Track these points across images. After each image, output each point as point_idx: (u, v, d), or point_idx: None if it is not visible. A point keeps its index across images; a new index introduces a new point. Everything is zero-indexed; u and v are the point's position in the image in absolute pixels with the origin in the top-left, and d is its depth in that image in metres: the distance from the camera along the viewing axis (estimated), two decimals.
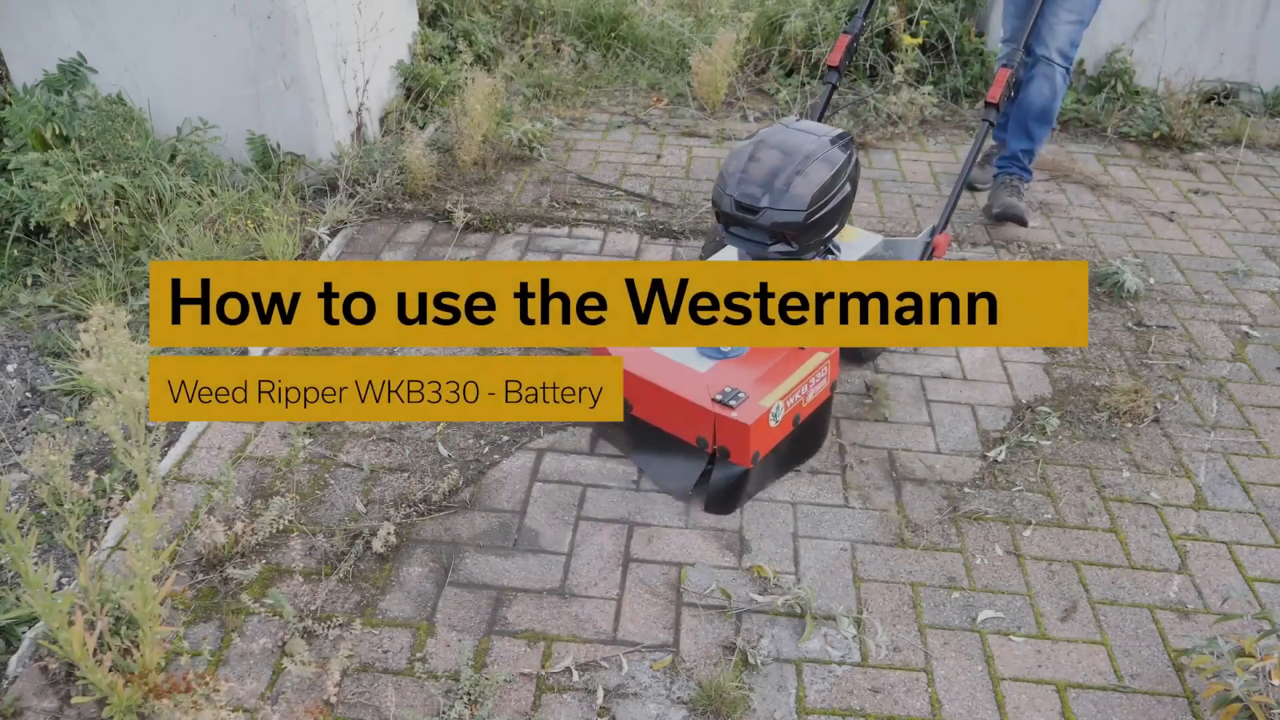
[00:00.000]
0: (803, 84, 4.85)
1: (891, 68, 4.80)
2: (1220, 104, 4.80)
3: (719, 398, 2.35)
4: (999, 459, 2.61)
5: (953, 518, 2.42)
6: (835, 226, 2.68)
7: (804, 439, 2.55)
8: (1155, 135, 4.45)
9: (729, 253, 2.91)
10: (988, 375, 2.93)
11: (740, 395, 2.35)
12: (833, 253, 2.88)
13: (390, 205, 3.77)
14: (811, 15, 4.94)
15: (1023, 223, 3.63)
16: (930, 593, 2.22)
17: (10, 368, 2.95)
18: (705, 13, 5.50)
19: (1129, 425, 2.75)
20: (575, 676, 2.00)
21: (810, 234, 2.59)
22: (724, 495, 2.41)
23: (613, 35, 5.34)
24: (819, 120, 3.14)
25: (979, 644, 2.10)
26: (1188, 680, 2.03)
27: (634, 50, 5.31)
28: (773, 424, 2.37)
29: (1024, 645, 2.10)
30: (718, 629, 2.11)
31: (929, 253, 3.03)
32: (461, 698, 1.92)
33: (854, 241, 3.00)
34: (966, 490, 2.51)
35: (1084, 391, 2.88)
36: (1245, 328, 3.19)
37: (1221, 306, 3.31)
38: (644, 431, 2.53)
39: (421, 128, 4.29)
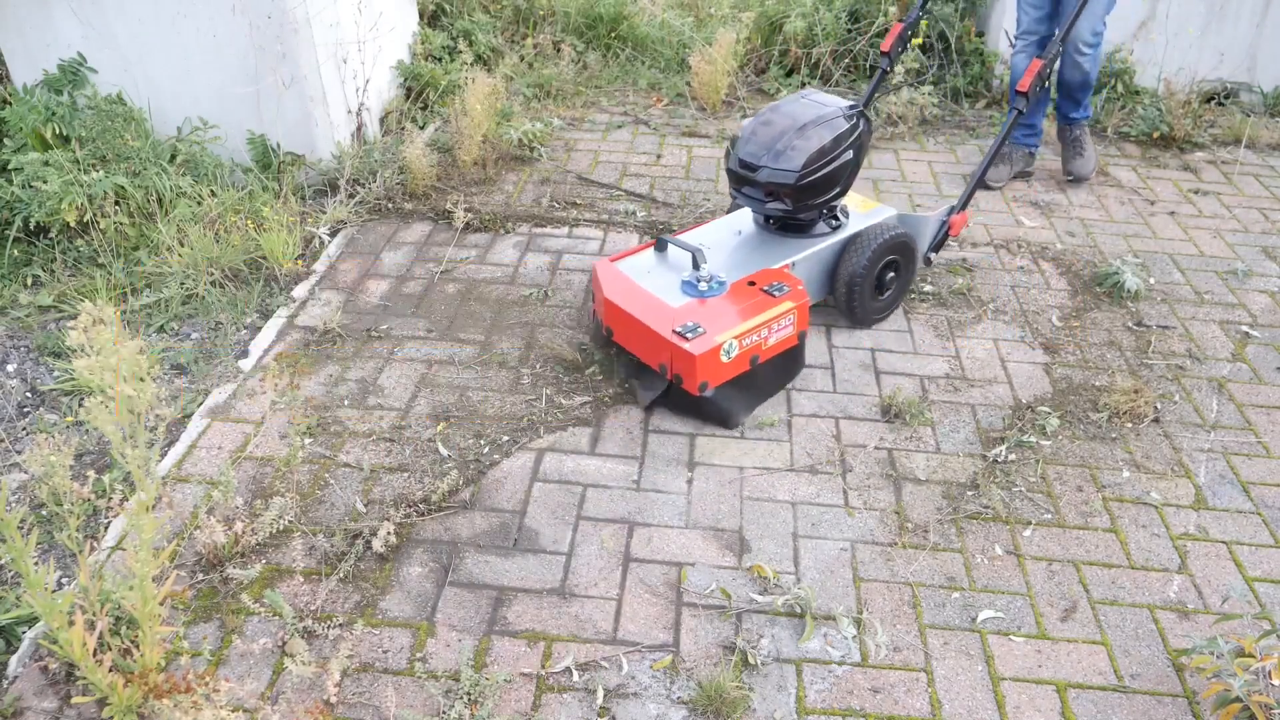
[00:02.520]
0: (803, 84, 4.85)
1: (892, 67, 4.80)
2: (1220, 104, 4.80)
3: (679, 329, 2.57)
4: (999, 459, 2.61)
5: (953, 518, 2.42)
6: (834, 191, 2.87)
7: (771, 376, 2.78)
8: (1155, 135, 4.45)
9: (744, 210, 3.16)
10: (988, 375, 2.93)
11: (699, 330, 2.57)
12: (838, 219, 3.03)
13: (390, 205, 3.77)
14: (811, 15, 4.93)
15: (1085, 180, 4.03)
16: (930, 593, 2.22)
17: (10, 368, 2.95)
18: (705, 13, 5.50)
19: (1129, 425, 2.75)
20: (575, 676, 2.00)
21: (804, 195, 2.82)
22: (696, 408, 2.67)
23: (613, 35, 5.34)
24: (868, 100, 3.31)
25: (979, 644, 2.10)
26: (1188, 680, 2.03)
27: (634, 50, 5.31)
28: (724, 359, 2.58)
29: (1024, 645, 2.10)
30: (718, 629, 2.11)
31: (944, 231, 3.14)
32: (461, 698, 1.92)
33: (866, 212, 3.12)
34: (966, 490, 2.51)
35: (1084, 391, 2.88)
36: (1245, 328, 3.19)
37: (1221, 306, 3.31)
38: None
39: (421, 128, 4.29)
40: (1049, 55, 3.14)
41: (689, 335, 2.55)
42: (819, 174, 2.80)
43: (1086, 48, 3.74)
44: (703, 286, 2.74)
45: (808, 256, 2.94)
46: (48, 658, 1.97)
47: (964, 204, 3.16)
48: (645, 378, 2.76)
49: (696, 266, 2.76)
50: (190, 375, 2.89)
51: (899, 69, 4.69)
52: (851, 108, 2.90)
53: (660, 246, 2.97)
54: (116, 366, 1.61)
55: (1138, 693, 2.01)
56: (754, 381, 2.72)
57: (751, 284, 2.76)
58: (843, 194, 2.95)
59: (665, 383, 2.67)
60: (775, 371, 2.79)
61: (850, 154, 2.86)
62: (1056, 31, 3.60)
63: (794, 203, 2.83)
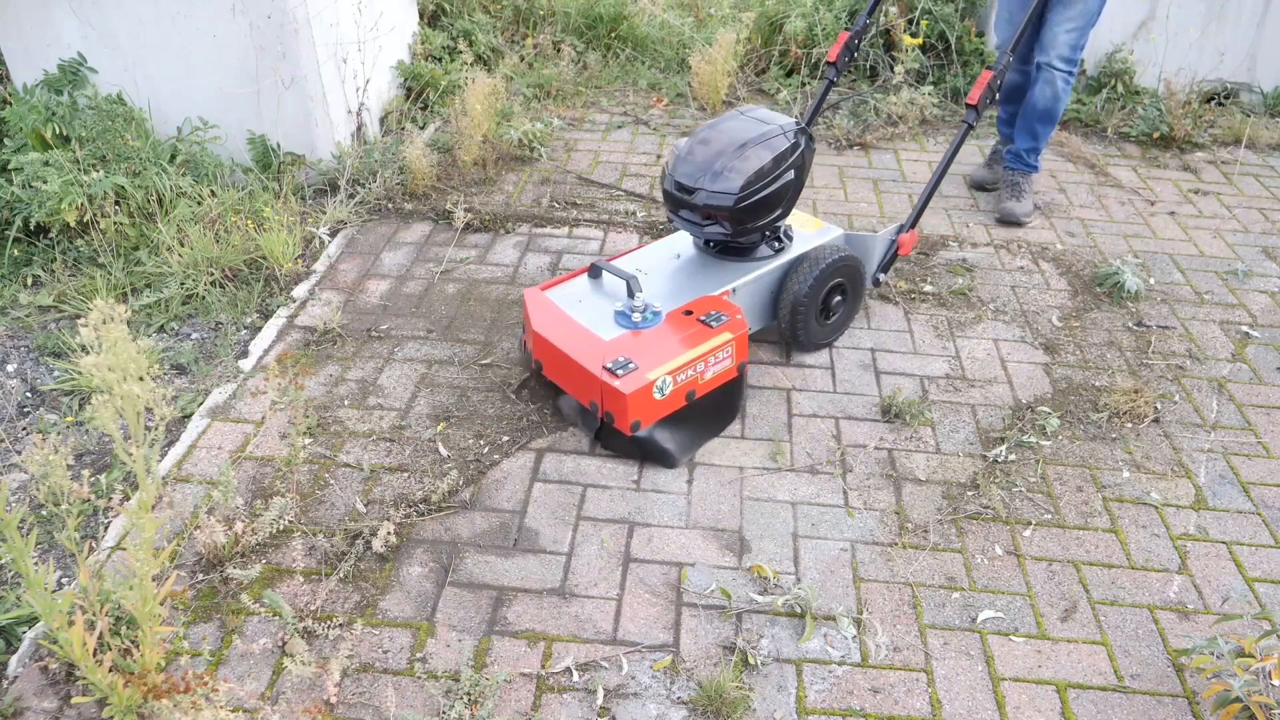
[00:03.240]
0: (803, 84, 4.85)
1: (892, 68, 4.80)
2: (1220, 104, 4.80)
3: (609, 365, 2.45)
4: (999, 459, 2.61)
5: (953, 518, 2.42)
6: (775, 213, 2.75)
7: (711, 411, 2.65)
8: (1155, 135, 4.45)
9: (684, 232, 3.01)
10: (988, 375, 2.93)
11: (630, 366, 2.45)
12: (781, 241, 2.91)
13: (390, 205, 3.77)
14: (811, 15, 4.94)
15: (1018, 225, 3.76)
16: (930, 593, 2.22)
17: (10, 368, 2.95)
18: (705, 13, 5.50)
19: (1129, 425, 2.75)
20: (575, 676, 2.00)
21: (744, 218, 2.68)
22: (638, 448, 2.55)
23: (613, 35, 5.34)
24: (814, 115, 3.22)
25: (979, 644, 2.10)
26: (1188, 680, 2.03)
27: (634, 50, 5.31)
28: (658, 396, 2.46)
29: (1024, 645, 2.10)
30: (718, 629, 2.11)
31: (893, 251, 3.02)
32: (461, 698, 1.92)
33: (811, 232, 3.01)
34: (966, 490, 2.51)
35: (1084, 391, 2.88)
36: (1245, 328, 3.19)
37: (1221, 306, 3.31)
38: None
39: (421, 128, 4.29)
40: (999, 66, 2.98)
41: (619, 372, 2.43)
42: (759, 196, 2.66)
43: (1062, 63, 3.55)
44: (636, 317, 2.60)
45: (749, 281, 2.80)
46: (48, 658, 1.97)
47: (913, 222, 3.03)
48: (586, 414, 2.61)
49: (631, 295, 2.62)
50: (190, 375, 2.89)
51: (898, 70, 4.69)
52: (790, 125, 2.76)
53: (594, 273, 2.82)
54: (125, 364, 1.61)
55: (1138, 693, 2.01)
56: (693, 418, 2.59)
57: (688, 313, 2.63)
58: (784, 215, 2.82)
59: (598, 421, 2.54)
60: (715, 407, 2.65)
61: (792, 174, 2.73)
62: (1037, 45, 3.58)
63: (733, 226, 2.70)
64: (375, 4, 4.15)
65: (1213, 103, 4.80)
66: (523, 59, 5.06)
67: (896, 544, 2.34)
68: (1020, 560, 2.31)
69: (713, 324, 2.58)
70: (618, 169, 4.16)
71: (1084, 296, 3.34)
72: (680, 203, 2.72)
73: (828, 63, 3.23)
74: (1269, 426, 2.76)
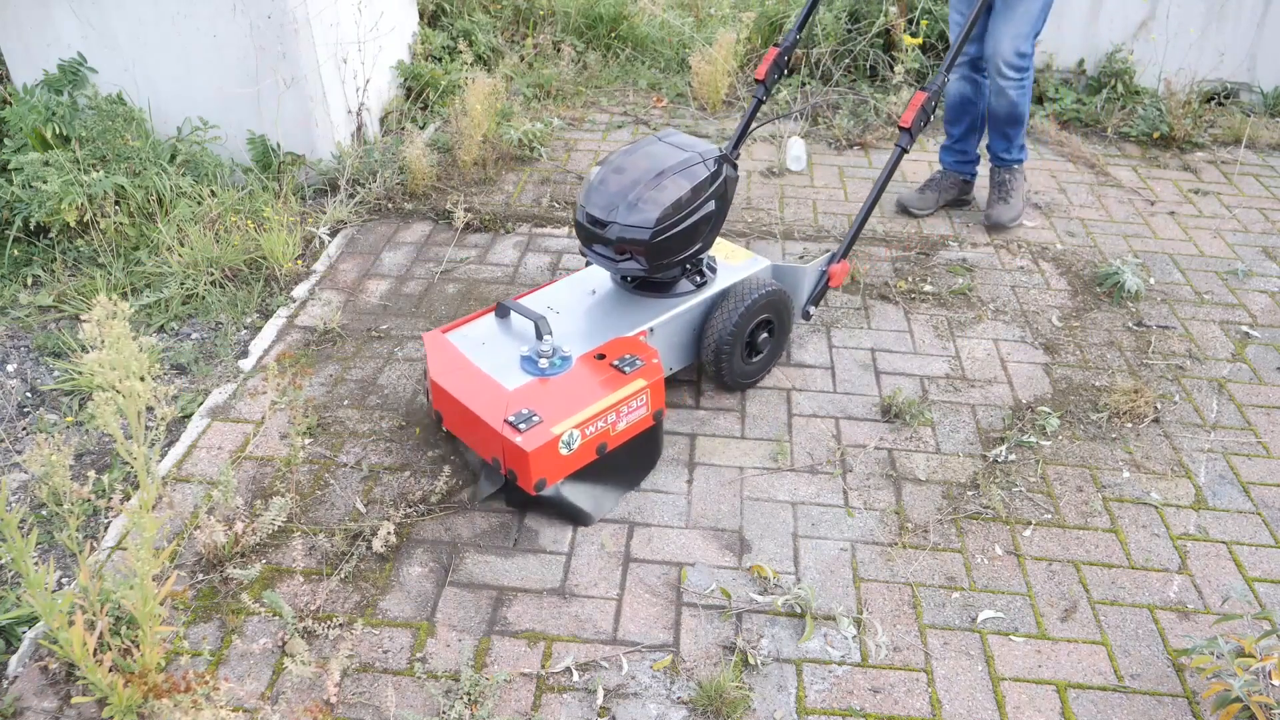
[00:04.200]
0: (803, 84, 4.85)
1: (891, 68, 4.80)
2: (1220, 104, 4.80)
3: (511, 419, 2.22)
4: (999, 459, 2.61)
5: (953, 518, 2.42)
6: (694, 247, 2.56)
7: (628, 463, 2.44)
8: (1155, 135, 4.45)
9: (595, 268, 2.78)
10: (988, 375, 2.93)
11: (534, 419, 2.22)
12: (703, 274, 2.71)
13: (390, 205, 3.77)
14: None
15: (1005, 229, 3.70)
16: (930, 593, 2.22)
17: (10, 368, 2.95)
18: (705, 13, 5.50)
19: (1129, 425, 2.75)
20: (575, 676, 2.00)
21: (660, 253, 2.49)
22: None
23: (613, 35, 5.34)
24: (741, 138, 3.07)
25: (979, 644, 2.10)
26: (1188, 680, 2.03)
27: (634, 50, 5.31)
28: (564, 452, 2.24)
29: (1024, 645, 2.10)
30: (718, 629, 2.11)
31: (823, 282, 2.84)
32: (461, 698, 1.92)
33: (737, 264, 2.81)
34: (966, 490, 2.51)
35: (1084, 391, 2.88)
36: (1245, 328, 3.19)
37: (1221, 306, 3.31)
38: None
39: (421, 128, 4.29)
40: (933, 87, 2.80)
41: (522, 426, 2.20)
42: (676, 229, 2.47)
43: (1010, 70, 3.40)
44: (543, 364, 2.39)
45: (669, 320, 2.61)
46: (48, 658, 1.97)
47: (845, 252, 2.85)
48: (490, 469, 2.39)
49: (539, 337, 2.43)
50: (190, 375, 2.89)
51: (898, 70, 4.69)
52: (709, 152, 2.57)
53: (501, 312, 2.61)
54: (126, 362, 1.61)
55: (1138, 693, 2.01)
56: (607, 471, 2.39)
57: (601, 357, 2.43)
58: (706, 248, 2.62)
59: (503, 478, 2.33)
60: (631, 458, 2.45)
61: (713, 204, 2.54)
62: (987, 52, 3.44)
63: (649, 261, 2.49)
64: (375, 4, 4.15)
65: (1213, 103, 4.80)
66: (523, 59, 5.06)
67: (896, 544, 2.34)
68: (1020, 560, 2.31)
69: (626, 370, 2.38)
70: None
71: (1084, 296, 3.34)
72: (593, 236, 2.52)
73: (756, 80, 3.06)
74: (1269, 426, 2.76)
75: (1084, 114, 4.65)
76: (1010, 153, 3.70)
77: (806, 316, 2.86)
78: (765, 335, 2.76)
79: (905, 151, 2.84)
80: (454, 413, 2.40)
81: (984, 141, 3.82)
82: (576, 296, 2.72)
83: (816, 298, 2.85)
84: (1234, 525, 2.43)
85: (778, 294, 2.72)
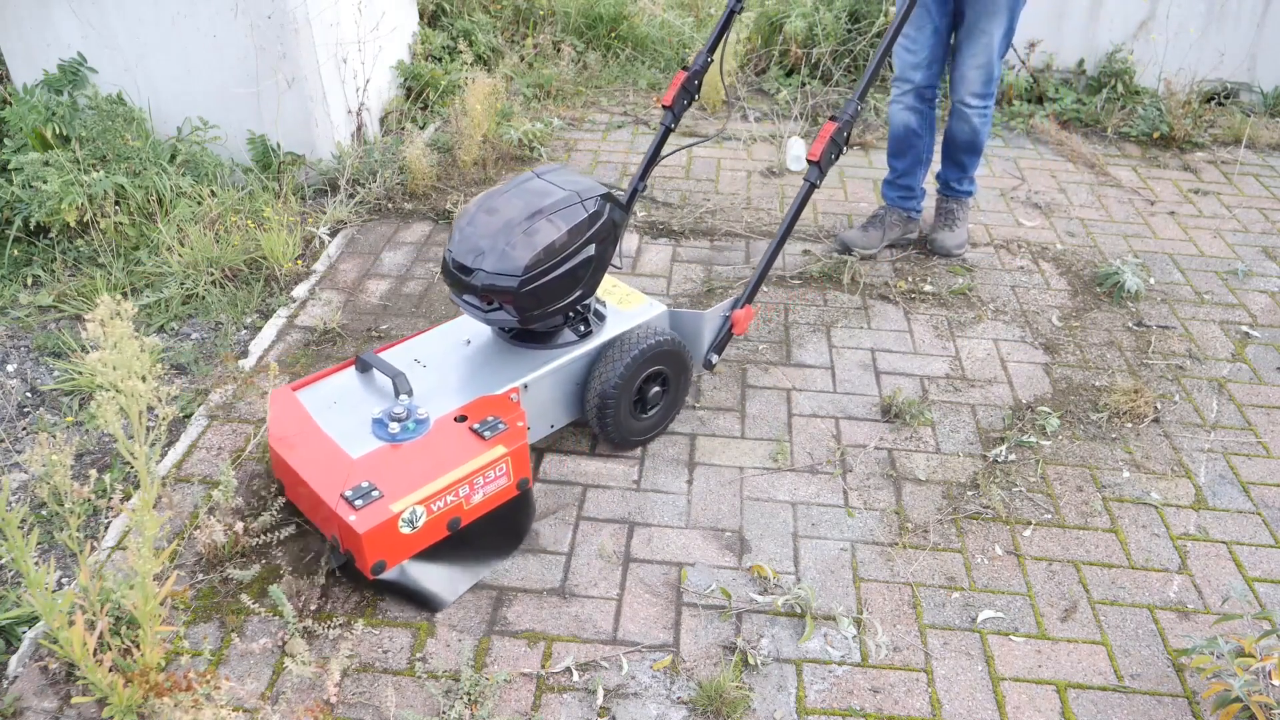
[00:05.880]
0: (803, 84, 4.85)
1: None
2: (1220, 104, 4.81)
3: (348, 494, 2.01)
4: (999, 459, 2.61)
5: (953, 518, 2.42)
6: (572, 295, 2.33)
7: (490, 536, 2.22)
8: (1155, 135, 4.45)
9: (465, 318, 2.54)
10: (988, 375, 2.93)
11: (374, 494, 2.00)
12: (588, 322, 2.49)
13: (390, 205, 3.77)
14: (811, 15, 4.94)
15: (949, 256, 3.52)
16: (930, 593, 2.22)
17: (10, 368, 2.95)
18: (705, 13, 5.50)
19: (1129, 425, 2.75)
20: (575, 676, 2.00)
21: (532, 303, 2.26)
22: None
23: (613, 35, 5.34)
24: (649, 167, 2.87)
25: (979, 644, 2.10)
26: (1188, 680, 2.03)
27: (634, 50, 5.31)
28: (406, 530, 2.02)
29: (1024, 645, 2.10)
30: (718, 629, 2.11)
31: (727, 329, 2.63)
32: (461, 698, 1.92)
33: (630, 310, 2.59)
34: (966, 490, 2.51)
35: (1084, 391, 2.88)
36: (1245, 328, 3.19)
37: (1221, 306, 3.31)
38: None
39: (421, 128, 4.30)
40: (844, 116, 2.61)
41: (358, 502, 1.98)
42: (549, 276, 2.24)
43: (974, 99, 3.27)
44: (394, 428, 2.15)
45: (546, 374, 2.38)
46: (48, 658, 1.97)
47: (750, 297, 2.63)
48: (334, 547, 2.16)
49: (397, 396, 2.23)
50: (190, 375, 2.89)
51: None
52: (596, 191, 2.34)
53: (362, 366, 2.37)
54: (128, 361, 1.61)
55: (1138, 693, 2.01)
56: (466, 544, 2.16)
57: (461, 419, 2.20)
58: (586, 296, 2.37)
59: (344, 556, 2.11)
60: (494, 531, 2.21)
61: (593, 249, 2.30)
62: (951, 81, 3.29)
63: (519, 312, 2.26)
64: (376, 4, 4.15)
65: (1213, 103, 4.81)
66: (523, 59, 5.06)
67: (896, 544, 2.34)
68: (1020, 560, 2.31)
69: (486, 434, 2.15)
70: (618, 169, 4.16)
71: (1084, 296, 3.34)
72: (460, 284, 2.28)
73: (663, 107, 2.83)
74: (1269, 426, 2.76)
75: (1084, 114, 4.65)
76: (962, 184, 3.54)
77: (709, 366, 2.65)
78: (657, 389, 2.53)
79: (815, 186, 2.63)
80: (293, 483, 2.16)
81: (934, 171, 3.63)
82: (448, 348, 2.49)
83: (720, 346, 2.64)
84: (1234, 525, 2.43)
85: (671, 344, 2.49)
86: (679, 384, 2.60)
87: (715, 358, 2.64)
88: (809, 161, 2.61)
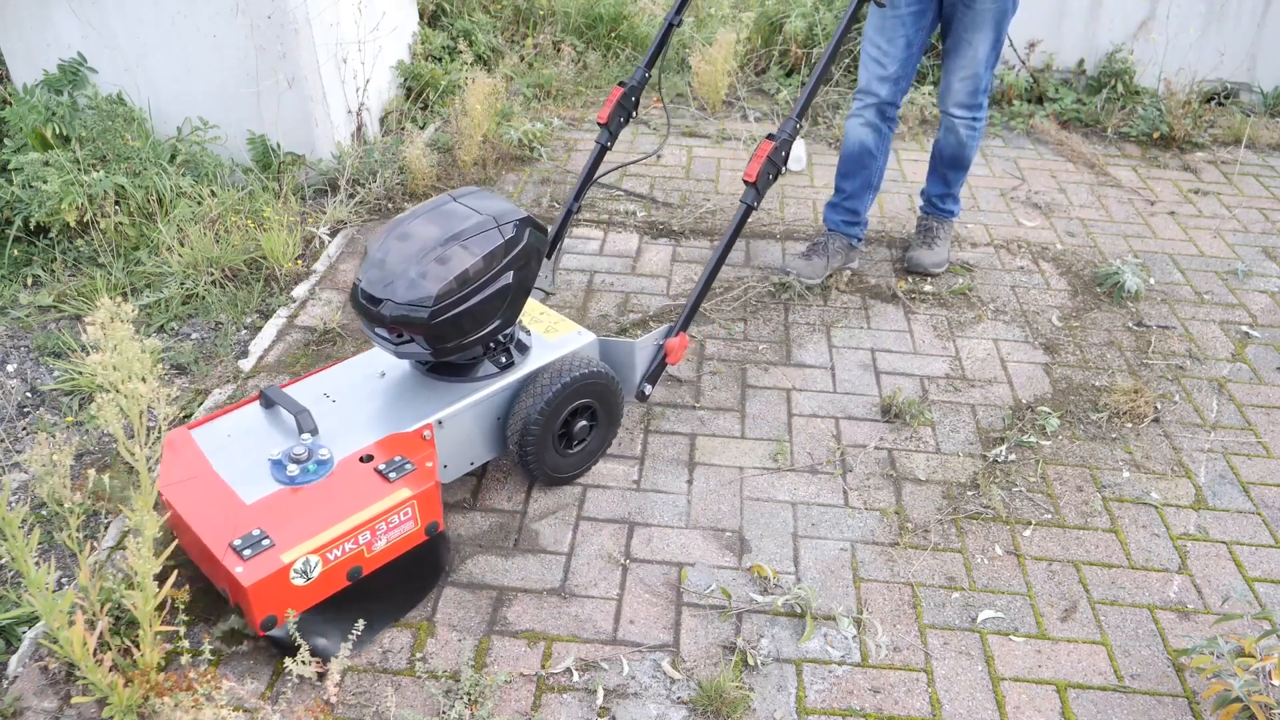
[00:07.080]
0: (803, 84, 4.85)
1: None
2: (1220, 104, 4.81)
3: (236, 544, 1.86)
4: (999, 459, 2.61)
5: (953, 518, 2.42)
6: (489, 326, 2.20)
7: (396, 584, 2.08)
8: (1155, 135, 4.45)
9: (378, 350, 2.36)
10: (988, 375, 2.93)
11: (264, 543, 1.86)
12: (510, 354, 2.35)
13: (391, 205, 3.77)
14: (811, 15, 4.94)
15: (927, 274, 3.40)
16: (930, 593, 2.22)
17: (10, 368, 2.95)
18: (705, 13, 5.50)
19: (1129, 425, 2.75)
20: (575, 676, 2.00)
21: (444, 335, 2.13)
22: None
23: (613, 35, 5.34)
24: (586, 181, 2.82)
25: (979, 644, 2.10)
26: (1188, 680, 2.03)
27: (634, 50, 5.31)
28: (298, 582, 1.88)
29: (1024, 645, 2.10)
30: (718, 629, 2.11)
31: (660, 358, 2.52)
32: (461, 698, 1.92)
33: (555, 339, 2.46)
34: (966, 490, 2.51)
35: (1084, 391, 2.88)
36: (1245, 328, 3.19)
37: (1221, 306, 3.31)
38: None
39: (421, 128, 4.30)
40: (782, 135, 2.50)
41: (246, 552, 1.83)
42: (462, 306, 2.11)
43: (960, 110, 3.17)
44: (292, 470, 2.00)
45: (463, 409, 2.24)
46: (48, 658, 1.97)
47: (684, 325, 2.53)
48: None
49: (301, 434, 2.09)
50: (190, 375, 2.89)
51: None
52: (513, 216, 2.22)
53: (266, 401, 2.22)
54: (129, 362, 1.61)
55: (1138, 693, 2.01)
56: (371, 594, 2.03)
57: (367, 459, 2.06)
58: (506, 325, 2.24)
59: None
60: (401, 579, 2.08)
61: (510, 275, 2.18)
62: (939, 92, 3.22)
63: (431, 344, 2.13)
64: (376, 4, 4.15)
65: (1213, 103, 4.81)
66: (523, 59, 5.06)
67: (897, 544, 2.34)
68: (1020, 560, 2.31)
69: (391, 476, 2.01)
70: (617, 169, 4.15)
71: (1084, 296, 3.34)
72: (370, 315, 2.14)
73: (600, 124, 2.75)
74: (1269, 426, 2.76)
75: (1084, 114, 4.65)
76: (945, 202, 3.44)
77: (642, 397, 2.54)
78: (585, 423, 2.41)
79: (751, 209, 2.54)
80: (183, 532, 2.00)
81: (919, 187, 3.55)
82: (362, 380, 2.33)
83: (653, 375, 2.53)
84: (1234, 525, 2.43)
85: (599, 375, 2.37)
86: (608, 417, 2.48)
87: (649, 388, 2.53)
88: (745, 182, 2.51)
